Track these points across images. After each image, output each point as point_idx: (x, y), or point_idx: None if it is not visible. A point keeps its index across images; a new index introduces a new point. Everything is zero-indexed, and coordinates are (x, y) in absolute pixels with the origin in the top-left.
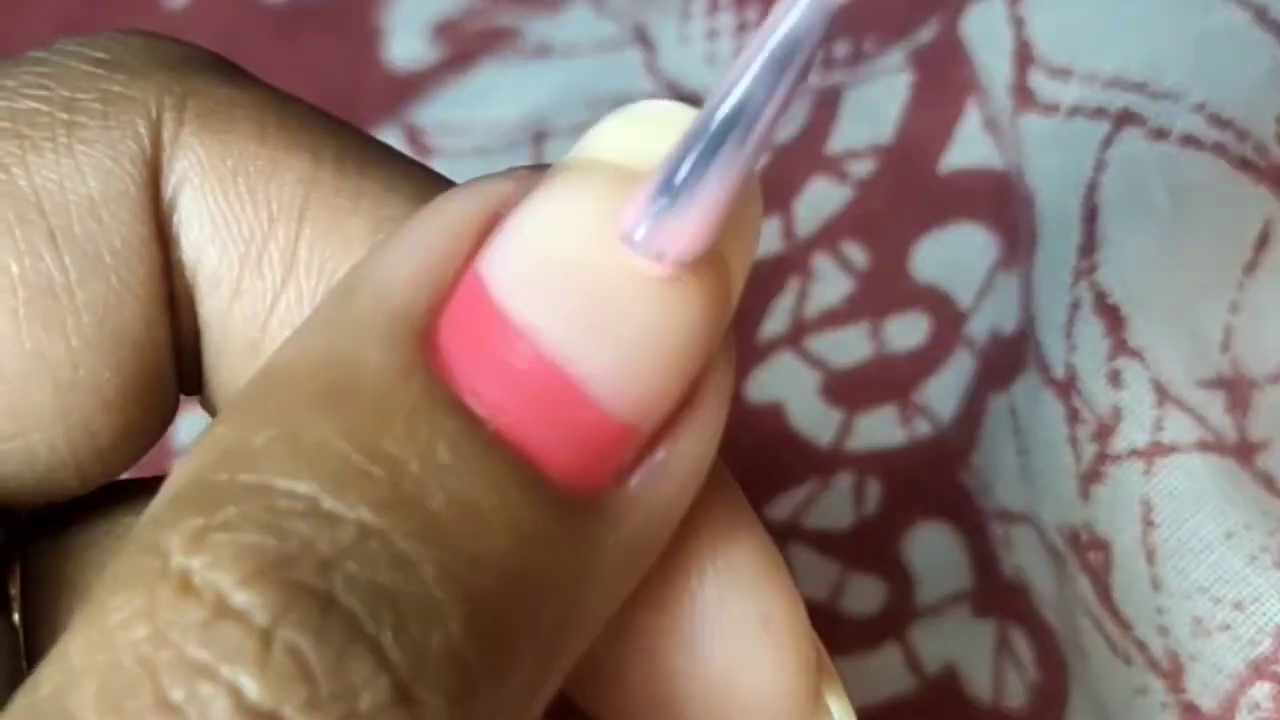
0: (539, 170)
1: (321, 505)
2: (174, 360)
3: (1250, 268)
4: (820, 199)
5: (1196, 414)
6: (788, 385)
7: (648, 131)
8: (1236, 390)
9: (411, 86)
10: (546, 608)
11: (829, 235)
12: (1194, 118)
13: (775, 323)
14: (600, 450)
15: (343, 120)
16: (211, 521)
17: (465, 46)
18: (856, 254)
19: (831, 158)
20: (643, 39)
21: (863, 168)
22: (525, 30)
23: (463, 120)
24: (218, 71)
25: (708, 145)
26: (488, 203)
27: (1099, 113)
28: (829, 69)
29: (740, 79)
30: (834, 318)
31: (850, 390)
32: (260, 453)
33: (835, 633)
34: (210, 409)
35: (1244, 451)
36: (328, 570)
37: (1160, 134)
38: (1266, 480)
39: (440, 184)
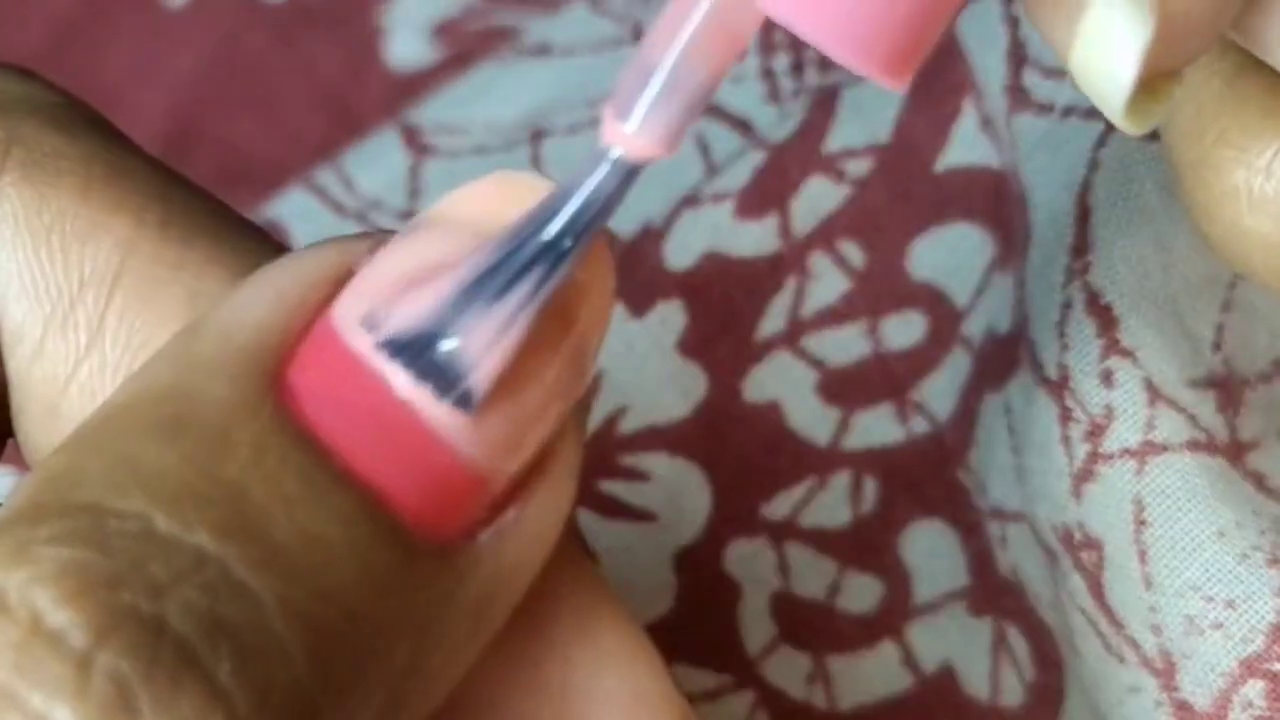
0: (390, 233)
1: (156, 526)
2: None
3: None
4: (817, 198)
5: (1188, 413)
6: (785, 384)
7: (505, 196)
8: (1228, 390)
9: (411, 86)
10: (395, 651)
11: (826, 234)
12: None
13: (772, 322)
14: (452, 498)
15: (181, 178)
16: (33, 536)
17: (465, 46)
18: (853, 253)
19: (829, 157)
20: (641, 38)
21: (860, 167)
22: (524, 30)
23: (461, 120)
24: (53, 118)
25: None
26: (341, 258)
27: (1093, 113)
28: (826, 69)
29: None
30: (831, 316)
31: (847, 389)
32: (92, 475)
33: (832, 631)
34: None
35: (1235, 451)
36: (160, 595)
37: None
38: (1257, 479)
39: (270, 254)
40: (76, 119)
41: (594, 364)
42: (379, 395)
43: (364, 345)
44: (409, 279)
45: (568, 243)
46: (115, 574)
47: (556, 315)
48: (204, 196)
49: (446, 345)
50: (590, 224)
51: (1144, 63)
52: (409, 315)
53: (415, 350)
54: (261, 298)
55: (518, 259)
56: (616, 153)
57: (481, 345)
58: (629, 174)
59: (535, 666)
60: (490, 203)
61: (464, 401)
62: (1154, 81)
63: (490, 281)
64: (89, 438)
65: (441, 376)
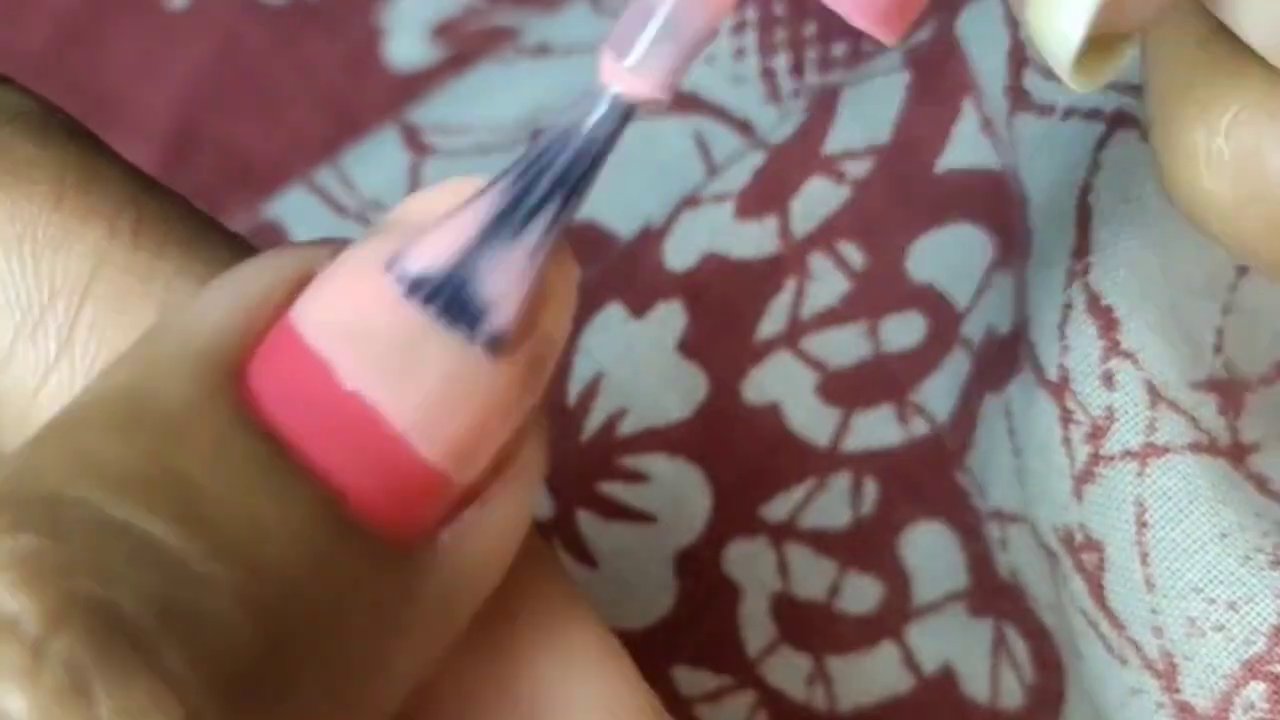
0: (350, 240)
1: (109, 514)
2: None
3: (1243, 270)
4: (817, 199)
5: (1189, 415)
6: (785, 385)
7: (457, 199)
8: (1229, 392)
9: (411, 86)
10: (353, 645)
11: (826, 235)
12: None
13: (772, 322)
14: (409, 493)
15: (157, 185)
16: None
17: (465, 46)
18: (853, 254)
19: (828, 157)
20: None
21: (860, 168)
22: (524, 30)
23: (462, 119)
24: (26, 125)
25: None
26: (300, 263)
27: (1094, 114)
28: (827, 68)
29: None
30: (831, 317)
31: (847, 390)
32: (47, 467)
33: (832, 632)
34: None
35: (1237, 453)
36: (112, 580)
37: None
38: (1259, 481)
39: (241, 259)
40: (51, 126)
41: (551, 369)
42: (335, 387)
43: (320, 341)
44: (365, 280)
45: (573, 182)
46: (68, 560)
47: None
48: (179, 203)
49: (472, 287)
50: (593, 163)
51: (1093, 24)
52: (432, 257)
53: (442, 292)
54: (221, 301)
55: (530, 199)
56: (615, 90)
57: (504, 285)
58: (626, 113)
59: (505, 678)
60: (448, 207)
61: (494, 345)
62: (1110, 41)
63: (507, 222)
64: (48, 435)
65: (469, 317)
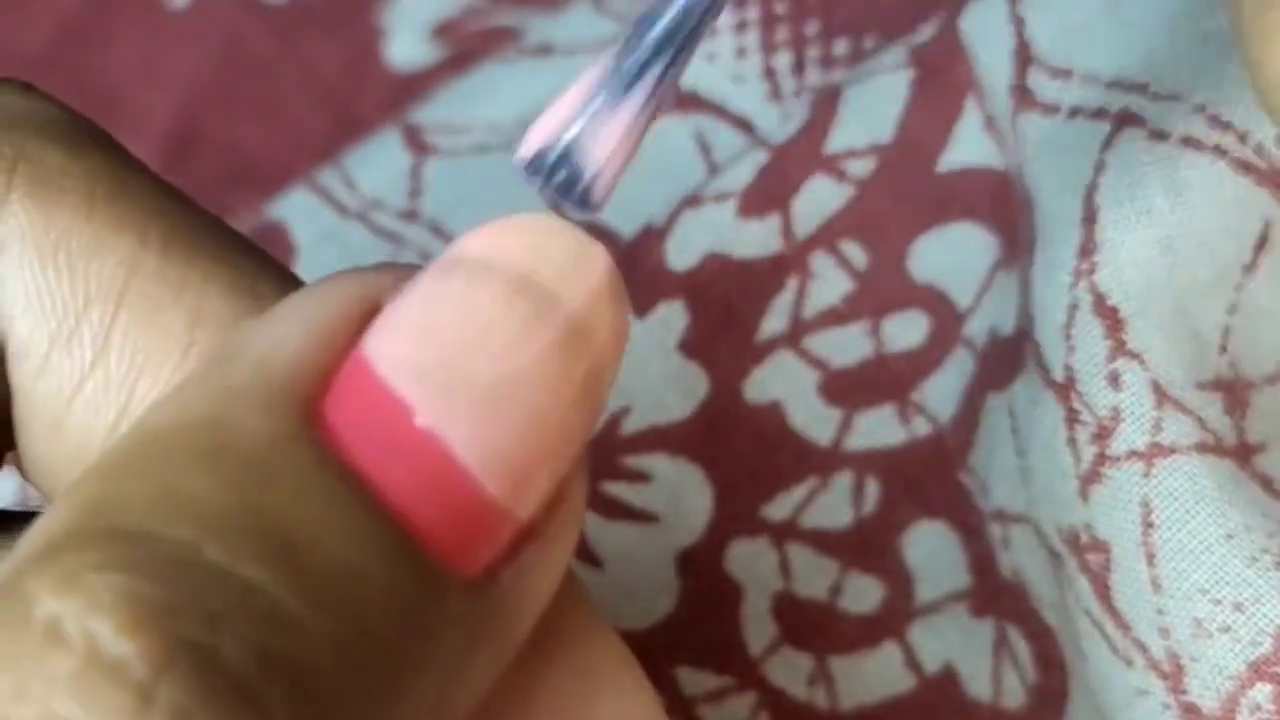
0: (413, 267)
1: (205, 555)
2: None
3: (1249, 269)
4: (819, 198)
5: (1195, 415)
6: (787, 384)
7: (522, 238)
8: (1235, 392)
9: (412, 86)
10: (425, 686)
11: (828, 234)
12: (1194, 119)
13: (774, 322)
14: (477, 532)
15: (181, 195)
16: (84, 562)
17: (465, 46)
18: (855, 253)
19: (831, 156)
20: None
21: (862, 166)
22: (526, 30)
23: (463, 119)
24: (56, 134)
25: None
26: (366, 290)
27: (1099, 114)
28: (829, 67)
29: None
30: (833, 317)
31: (849, 389)
32: (137, 502)
33: (834, 632)
34: (23, 472)
35: (1243, 453)
36: (215, 625)
37: (1160, 135)
38: (1265, 482)
39: (269, 271)
40: (79, 135)
41: (608, 397)
42: (413, 431)
43: (396, 379)
44: (437, 315)
45: (677, 44)
46: (171, 603)
47: (571, 344)
48: (202, 213)
49: (581, 154)
50: (696, 27)
51: None
52: (544, 136)
53: (556, 166)
54: (293, 330)
55: (631, 64)
56: None
57: (610, 147)
58: None
59: (525, 691)
60: (515, 247)
61: (585, 201)
62: None
63: (611, 87)
64: (127, 464)
65: (576, 187)
